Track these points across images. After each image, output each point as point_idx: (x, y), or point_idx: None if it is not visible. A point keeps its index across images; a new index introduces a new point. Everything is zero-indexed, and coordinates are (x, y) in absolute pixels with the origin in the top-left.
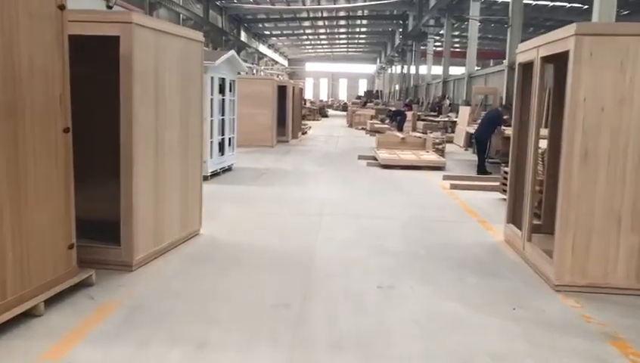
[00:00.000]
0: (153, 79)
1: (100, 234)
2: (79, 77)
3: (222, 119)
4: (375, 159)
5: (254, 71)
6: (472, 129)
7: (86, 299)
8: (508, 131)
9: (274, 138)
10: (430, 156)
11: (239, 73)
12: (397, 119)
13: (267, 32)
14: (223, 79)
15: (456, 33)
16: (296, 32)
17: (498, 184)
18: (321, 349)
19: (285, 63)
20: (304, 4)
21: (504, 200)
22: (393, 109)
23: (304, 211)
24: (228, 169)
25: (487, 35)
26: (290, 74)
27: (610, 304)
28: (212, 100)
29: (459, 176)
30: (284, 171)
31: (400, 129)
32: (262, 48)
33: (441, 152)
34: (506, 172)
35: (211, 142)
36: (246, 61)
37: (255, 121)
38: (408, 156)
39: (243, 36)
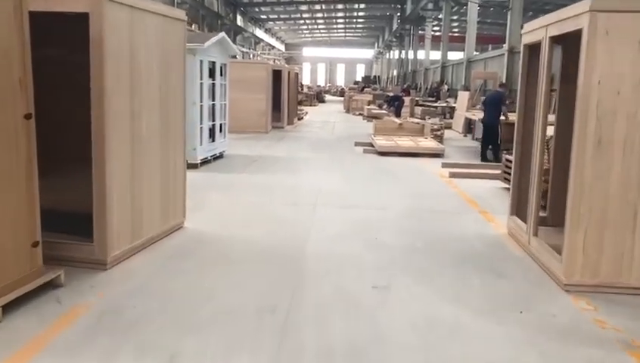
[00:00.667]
0: (128, 60)
1: (72, 227)
2: (48, 59)
3: (213, 105)
4: (372, 145)
5: (251, 56)
6: (471, 115)
7: (53, 302)
8: (512, 116)
9: (268, 123)
10: (428, 143)
11: (234, 57)
12: (395, 104)
13: (264, 17)
14: (213, 63)
15: (454, 17)
16: (293, 16)
17: (499, 172)
18: (309, 361)
19: (282, 48)
20: None
21: (507, 189)
22: (391, 94)
23: (296, 201)
24: (220, 156)
25: (486, 19)
26: (287, 59)
27: (625, 306)
28: (201, 84)
29: (458, 164)
30: (277, 158)
31: (398, 115)
32: (259, 33)
33: (439, 138)
34: (509, 160)
35: (201, 128)
36: (242, 46)
37: (249, 106)
38: (405, 142)
39: (239, 20)
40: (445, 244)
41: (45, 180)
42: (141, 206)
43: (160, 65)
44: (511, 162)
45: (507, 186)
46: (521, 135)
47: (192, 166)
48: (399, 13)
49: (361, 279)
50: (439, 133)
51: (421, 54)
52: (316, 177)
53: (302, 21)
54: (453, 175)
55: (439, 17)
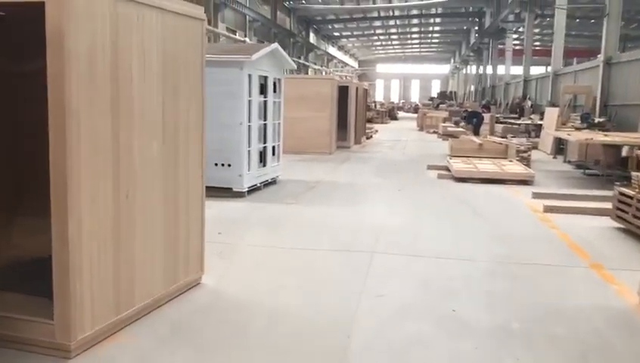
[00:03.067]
0: (109, 67)
1: (34, 282)
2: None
3: (264, 125)
4: (447, 169)
5: (323, 73)
6: (566, 134)
7: None
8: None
9: (332, 143)
10: (515, 168)
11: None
12: (473, 121)
13: (336, 34)
14: (265, 78)
15: (536, 31)
16: (366, 32)
17: (609, 207)
18: None
19: (355, 65)
20: (374, 3)
21: (623, 231)
22: (469, 110)
23: (350, 245)
24: (272, 183)
25: (570, 31)
26: (360, 76)
27: None
28: (249, 102)
29: (554, 194)
30: (337, 184)
31: (477, 133)
32: (332, 50)
33: (527, 161)
34: (623, 194)
35: (248, 152)
36: (315, 63)
37: (311, 125)
38: (487, 166)
39: (312, 38)
40: (553, 325)
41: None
42: (132, 265)
43: (165, 74)
44: (626, 196)
45: (621, 226)
46: None
47: (237, 195)
48: (476, 27)
49: None
50: (525, 155)
51: (500, 70)
52: (379, 210)
53: (375, 37)
54: (549, 210)
55: (520, 29)
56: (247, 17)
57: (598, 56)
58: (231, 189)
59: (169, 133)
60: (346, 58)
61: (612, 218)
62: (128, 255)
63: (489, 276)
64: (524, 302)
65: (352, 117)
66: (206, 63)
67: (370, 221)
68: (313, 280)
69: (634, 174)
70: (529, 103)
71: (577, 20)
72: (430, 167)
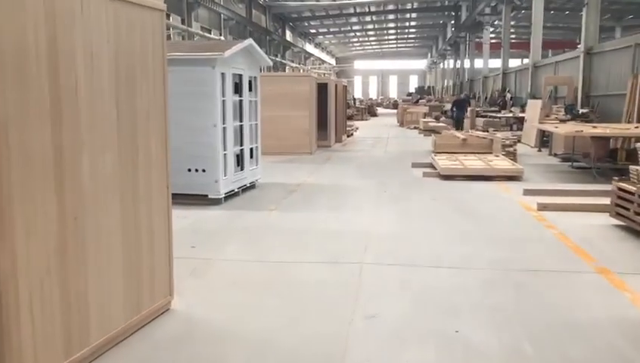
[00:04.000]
0: (46, 67)
1: None
2: None
3: (240, 126)
4: (433, 167)
5: (300, 71)
6: (553, 127)
7: None
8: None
9: (313, 143)
10: (503, 163)
11: (274, 70)
12: (453, 111)
13: (313, 31)
14: (240, 76)
15: (512, 24)
16: (343, 29)
17: (607, 203)
18: None
19: (333, 62)
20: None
21: (624, 228)
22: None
23: (337, 256)
24: (251, 187)
25: (545, 23)
26: (338, 73)
27: None
28: (224, 102)
29: (546, 191)
30: (320, 187)
31: (459, 125)
32: (309, 48)
33: (513, 156)
34: (622, 189)
35: (224, 155)
36: (292, 61)
37: (290, 125)
38: (474, 162)
39: (288, 36)
40: (569, 344)
41: None
42: (85, 298)
43: (118, 75)
44: (626, 191)
45: (621, 223)
46: None
47: (214, 202)
48: (452, 21)
49: None
50: (511, 149)
51: (478, 63)
52: (366, 214)
53: (352, 34)
54: (543, 208)
55: (495, 22)
56: (222, 15)
57: (578, 46)
58: (207, 196)
59: (126, 142)
60: (323, 55)
61: (611, 215)
62: (80, 287)
63: (491, 287)
64: (533, 318)
65: (333, 115)
66: (176, 61)
67: (356, 228)
68: (298, 300)
69: (632, 168)
70: (509, 95)
71: (552, 12)
72: (414, 165)
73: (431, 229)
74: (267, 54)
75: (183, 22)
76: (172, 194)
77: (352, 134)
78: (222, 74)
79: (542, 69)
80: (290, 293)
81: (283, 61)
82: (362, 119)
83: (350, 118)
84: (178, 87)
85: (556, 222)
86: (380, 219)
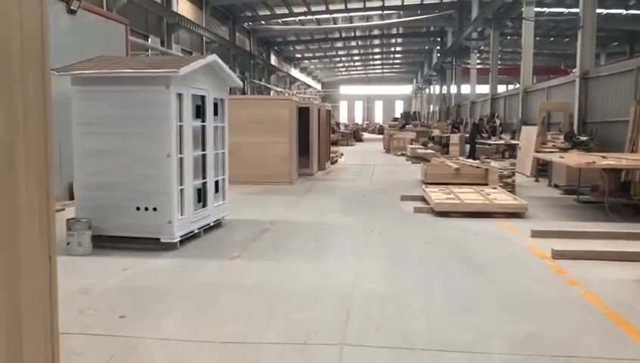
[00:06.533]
0: None
1: None
2: None
3: (202, 156)
4: (424, 200)
5: (285, 95)
6: (557, 157)
7: None
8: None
9: (293, 172)
10: (503, 197)
11: (265, 93)
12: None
13: (298, 55)
14: (202, 97)
15: (498, 49)
16: (328, 53)
17: (638, 251)
18: None
19: (319, 86)
20: (335, 24)
21: None
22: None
23: (309, 331)
24: (216, 226)
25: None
26: (323, 97)
27: None
28: (180, 128)
29: (557, 232)
30: (297, 225)
31: (472, 154)
32: (294, 72)
33: (511, 187)
34: None
35: (180, 191)
36: (277, 85)
37: (268, 152)
38: (470, 196)
39: (273, 60)
40: None
41: None
42: None
43: None
44: None
45: None
46: None
47: (167, 247)
48: (438, 47)
49: None
50: (510, 180)
51: (465, 88)
52: (349, 264)
53: (337, 59)
54: (559, 256)
55: (481, 48)
56: (204, 37)
57: (573, 71)
58: (158, 240)
59: None
60: (308, 80)
61: None
62: None
63: None
64: None
65: (315, 141)
66: (124, 79)
67: (337, 284)
68: None
69: None
70: (498, 121)
71: (537, 39)
72: (404, 198)
73: (429, 286)
74: (251, 77)
75: (162, 44)
76: (117, 238)
77: (336, 161)
78: (179, 95)
79: (534, 94)
80: None
81: (267, 85)
82: (347, 145)
83: (335, 143)
84: (125, 109)
85: (578, 276)
86: (367, 271)
